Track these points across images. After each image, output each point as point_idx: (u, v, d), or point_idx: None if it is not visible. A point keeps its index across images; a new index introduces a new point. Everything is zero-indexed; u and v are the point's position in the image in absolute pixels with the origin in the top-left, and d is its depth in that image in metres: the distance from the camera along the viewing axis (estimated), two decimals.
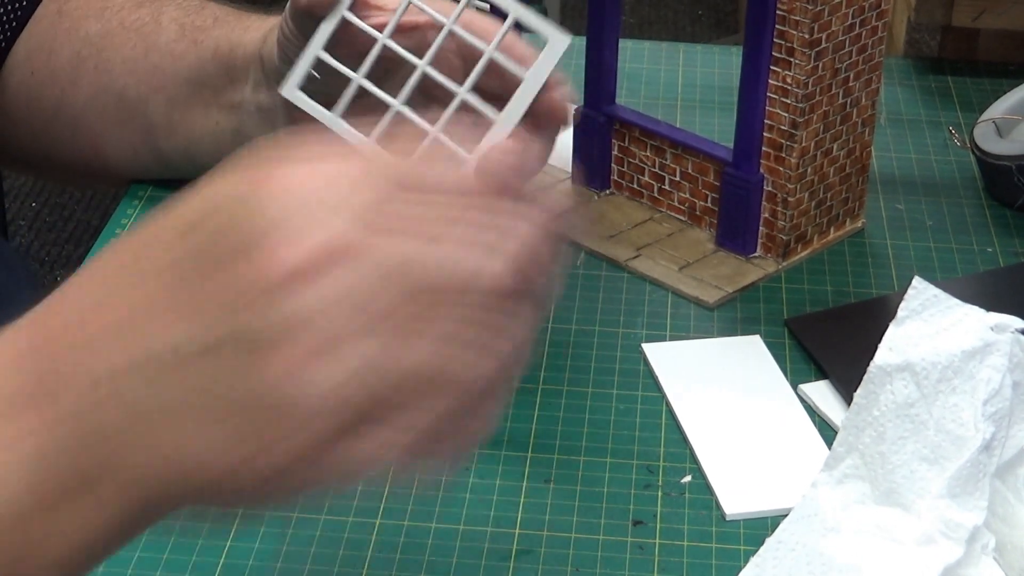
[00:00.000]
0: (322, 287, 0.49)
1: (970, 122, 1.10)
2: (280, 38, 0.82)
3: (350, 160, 0.53)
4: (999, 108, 1.08)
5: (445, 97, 0.70)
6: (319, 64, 0.74)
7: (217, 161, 0.53)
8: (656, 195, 1.01)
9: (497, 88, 0.69)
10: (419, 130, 0.68)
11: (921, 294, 0.72)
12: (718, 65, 1.20)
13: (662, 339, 0.91)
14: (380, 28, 0.73)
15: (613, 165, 1.02)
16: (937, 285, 0.72)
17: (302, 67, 0.74)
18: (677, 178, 1.00)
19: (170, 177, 1.00)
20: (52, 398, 0.51)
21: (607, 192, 1.03)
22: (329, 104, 0.73)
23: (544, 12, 2.67)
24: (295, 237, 0.50)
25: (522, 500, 0.79)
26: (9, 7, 0.99)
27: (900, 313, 0.72)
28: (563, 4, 2.73)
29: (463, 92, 0.70)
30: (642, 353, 0.90)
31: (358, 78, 0.73)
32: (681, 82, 1.18)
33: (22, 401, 0.51)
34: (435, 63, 0.72)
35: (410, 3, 0.73)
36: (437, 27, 0.72)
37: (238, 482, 0.52)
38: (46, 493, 0.51)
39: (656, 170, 1.00)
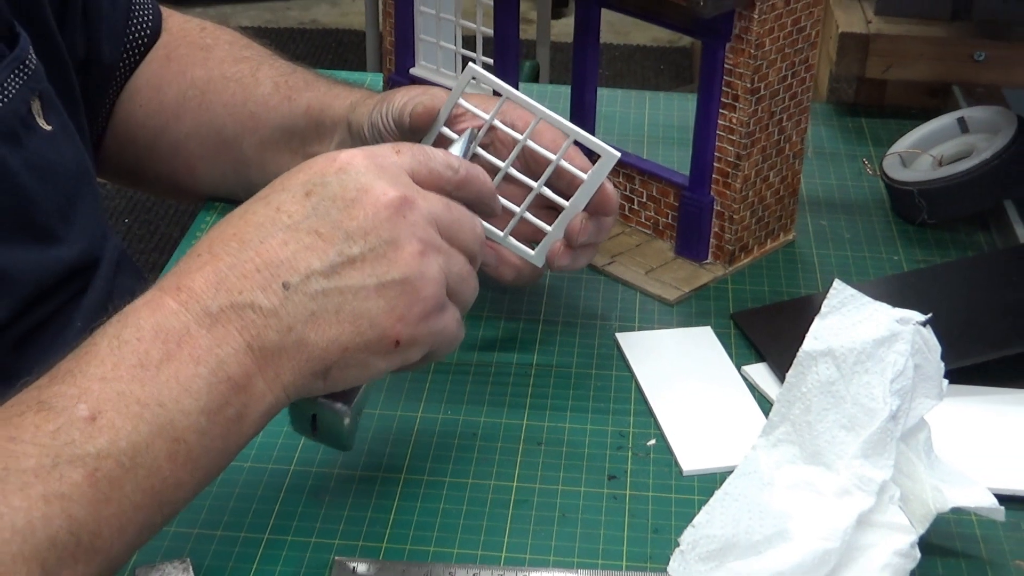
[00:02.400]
0: (409, 218, 0.67)
1: (880, 155, 1.10)
2: (379, 125, 0.86)
3: (385, 151, 0.70)
4: (903, 144, 1.08)
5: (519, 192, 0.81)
6: None
7: None
8: (627, 213, 1.01)
9: (557, 185, 0.81)
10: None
11: (840, 293, 0.72)
12: (677, 109, 1.20)
13: (632, 329, 0.91)
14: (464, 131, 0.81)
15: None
16: (854, 287, 0.72)
17: None
18: (644, 199, 1.00)
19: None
20: (238, 315, 0.63)
21: None
22: None
23: (536, 68, 2.66)
24: (381, 191, 0.66)
25: (519, 459, 0.79)
26: (127, 54, 0.99)
27: (823, 309, 0.72)
28: (552, 59, 2.73)
29: (538, 187, 0.80)
30: (615, 341, 0.90)
31: None
32: (647, 122, 1.18)
33: (213, 319, 0.63)
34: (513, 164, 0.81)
35: (486, 126, 0.81)
36: (512, 139, 0.81)
37: (377, 350, 0.66)
38: (240, 375, 0.63)
39: (627, 193, 1.00)
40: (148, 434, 0.60)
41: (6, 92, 0.80)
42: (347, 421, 0.69)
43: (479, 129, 0.80)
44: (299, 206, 0.66)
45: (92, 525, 0.58)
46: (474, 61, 1.03)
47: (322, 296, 0.64)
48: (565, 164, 0.80)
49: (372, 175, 0.67)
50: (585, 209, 0.81)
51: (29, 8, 0.86)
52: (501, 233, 0.81)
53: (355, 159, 0.68)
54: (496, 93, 0.80)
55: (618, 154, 0.78)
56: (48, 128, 0.84)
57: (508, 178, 0.80)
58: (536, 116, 0.79)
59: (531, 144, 0.80)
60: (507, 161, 0.80)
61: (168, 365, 0.61)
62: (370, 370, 0.67)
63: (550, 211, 0.82)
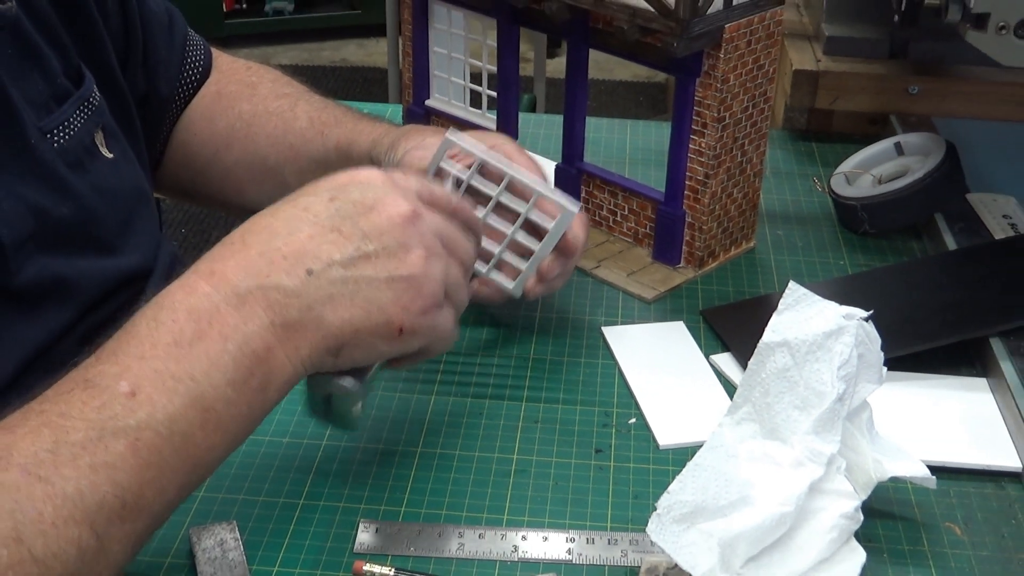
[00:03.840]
0: (418, 227, 0.67)
1: (828, 174, 1.09)
2: (388, 166, 0.87)
3: (397, 174, 0.70)
4: (848, 165, 1.08)
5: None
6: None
7: None
8: (611, 224, 1.01)
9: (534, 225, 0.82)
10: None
11: (794, 293, 0.71)
12: (654, 135, 1.20)
13: (615, 323, 0.90)
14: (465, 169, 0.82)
15: (582, 203, 1.02)
16: (806, 287, 0.71)
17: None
18: (625, 212, 0.99)
19: None
20: (264, 295, 0.63)
21: None
22: None
23: (534, 100, 2.66)
24: (396, 203, 0.67)
25: (518, 435, 0.79)
26: (181, 90, 0.99)
27: (780, 306, 0.71)
28: (548, 93, 2.73)
29: (511, 234, 0.82)
30: (601, 333, 0.89)
31: None
32: (628, 146, 1.18)
33: (241, 299, 0.62)
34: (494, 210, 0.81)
35: (468, 179, 0.81)
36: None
37: (383, 335, 0.65)
38: (263, 349, 0.62)
39: (611, 207, 1.00)
40: (182, 405, 0.59)
41: (72, 125, 0.80)
42: (358, 402, 0.68)
43: (461, 183, 0.81)
44: (324, 207, 0.66)
45: (136, 489, 0.57)
46: (480, 95, 1.03)
47: (340, 283, 0.64)
48: (533, 216, 0.81)
49: (388, 189, 0.67)
50: (553, 251, 0.82)
51: (95, 52, 0.86)
52: (484, 269, 0.82)
53: (373, 175, 0.68)
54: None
55: (575, 210, 0.79)
56: (110, 156, 0.84)
57: (489, 225, 0.81)
58: (507, 175, 0.80)
59: (503, 199, 0.81)
60: (483, 213, 0.80)
61: (199, 342, 0.60)
62: (375, 353, 0.67)
63: (528, 247, 0.82)
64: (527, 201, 0.80)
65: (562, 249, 0.82)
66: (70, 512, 0.55)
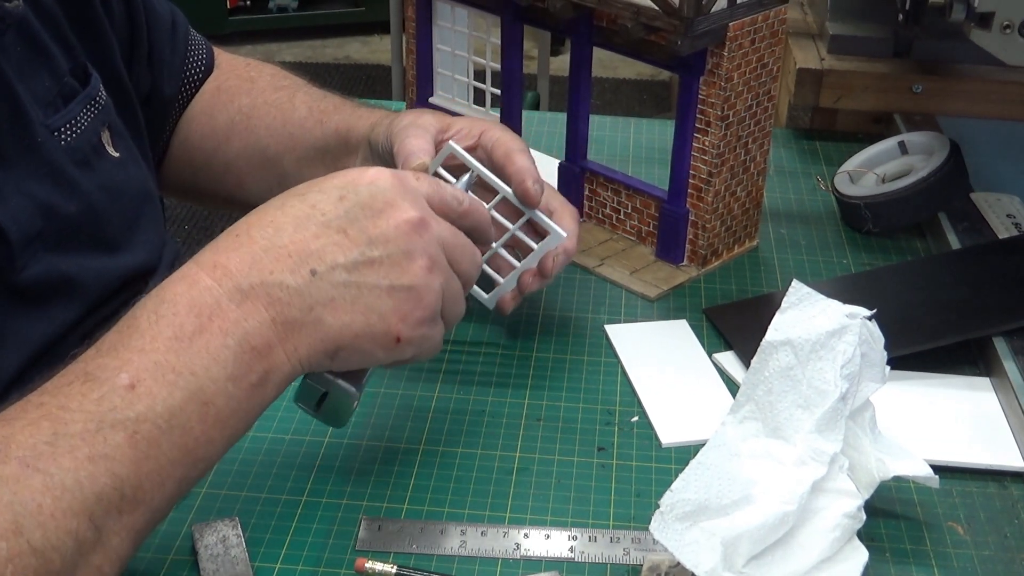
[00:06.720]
0: (423, 236, 0.66)
1: (831, 173, 1.09)
2: (387, 147, 0.85)
3: (407, 176, 0.69)
4: (852, 163, 1.08)
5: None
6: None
7: None
8: (614, 222, 1.01)
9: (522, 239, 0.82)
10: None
11: (797, 292, 0.71)
12: (657, 133, 1.20)
13: (619, 321, 0.90)
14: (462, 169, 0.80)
15: (585, 201, 1.02)
16: (809, 286, 0.71)
17: None
18: (629, 210, 0.99)
19: None
20: (267, 292, 0.63)
21: (581, 221, 1.02)
22: None
23: (537, 98, 2.66)
24: (405, 209, 0.66)
25: (521, 432, 0.79)
26: (184, 89, 0.99)
27: (783, 305, 0.71)
28: (551, 90, 2.73)
29: (496, 247, 0.82)
30: (604, 332, 0.89)
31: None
32: (632, 144, 1.18)
33: (244, 295, 0.62)
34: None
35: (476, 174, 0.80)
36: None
37: (380, 343, 0.66)
38: (263, 346, 0.62)
39: (614, 205, 1.00)
40: (181, 399, 0.59)
41: (79, 124, 0.80)
42: (355, 402, 0.68)
43: (473, 176, 0.80)
44: (332, 207, 0.65)
45: (134, 480, 0.57)
46: (484, 92, 1.03)
47: (342, 286, 0.64)
48: (520, 234, 0.81)
49: (397, 193, 0.67)
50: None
51: (101, 52, 0.86)
52: None
53: (384, 176, 0.67)
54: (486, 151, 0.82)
55: (564, 235, 0.80)
56: (116, 155, 0.84)
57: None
58: (500, 193, 0.80)
59: (494, 214, 0.80)
60: (490, 204, 0.80)
61: (200, 337, 0.60)
62: (371, 358, 0.67)
63: (509, 262, 0.83)
64: (517, 219, 0.81)
65: (539, 268, 0.82)
66: (68, 504, 0.55)
